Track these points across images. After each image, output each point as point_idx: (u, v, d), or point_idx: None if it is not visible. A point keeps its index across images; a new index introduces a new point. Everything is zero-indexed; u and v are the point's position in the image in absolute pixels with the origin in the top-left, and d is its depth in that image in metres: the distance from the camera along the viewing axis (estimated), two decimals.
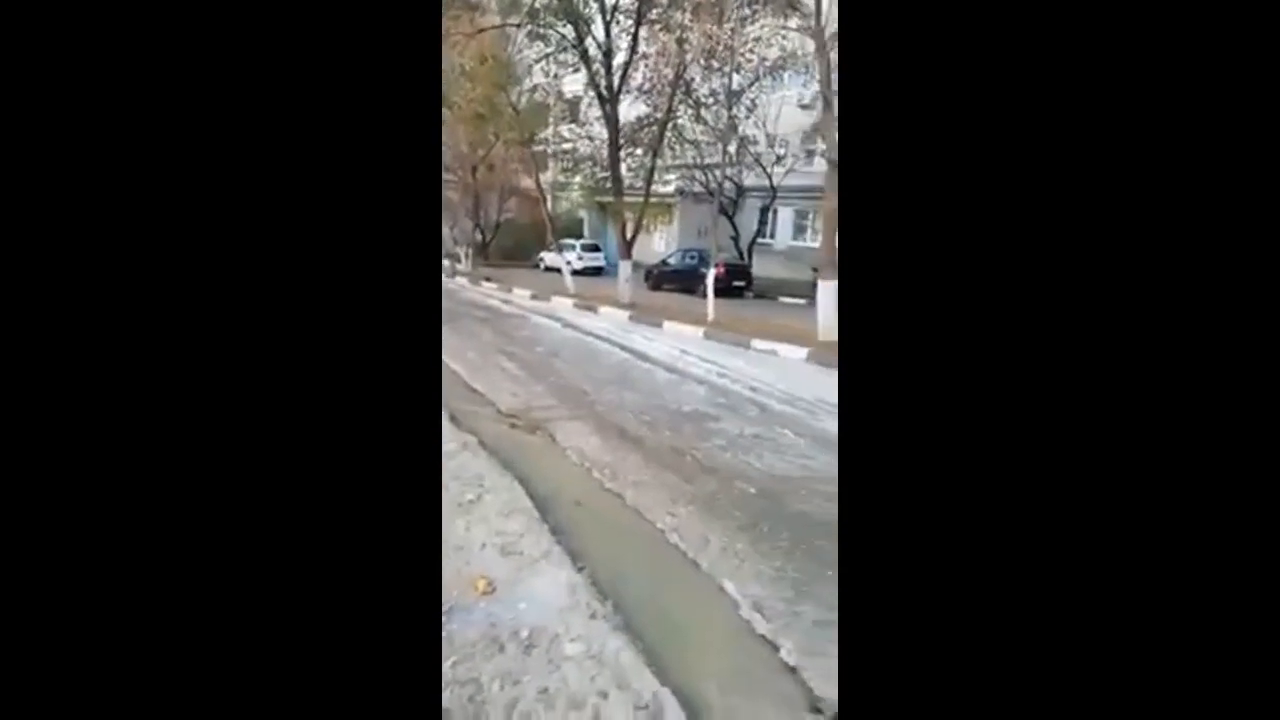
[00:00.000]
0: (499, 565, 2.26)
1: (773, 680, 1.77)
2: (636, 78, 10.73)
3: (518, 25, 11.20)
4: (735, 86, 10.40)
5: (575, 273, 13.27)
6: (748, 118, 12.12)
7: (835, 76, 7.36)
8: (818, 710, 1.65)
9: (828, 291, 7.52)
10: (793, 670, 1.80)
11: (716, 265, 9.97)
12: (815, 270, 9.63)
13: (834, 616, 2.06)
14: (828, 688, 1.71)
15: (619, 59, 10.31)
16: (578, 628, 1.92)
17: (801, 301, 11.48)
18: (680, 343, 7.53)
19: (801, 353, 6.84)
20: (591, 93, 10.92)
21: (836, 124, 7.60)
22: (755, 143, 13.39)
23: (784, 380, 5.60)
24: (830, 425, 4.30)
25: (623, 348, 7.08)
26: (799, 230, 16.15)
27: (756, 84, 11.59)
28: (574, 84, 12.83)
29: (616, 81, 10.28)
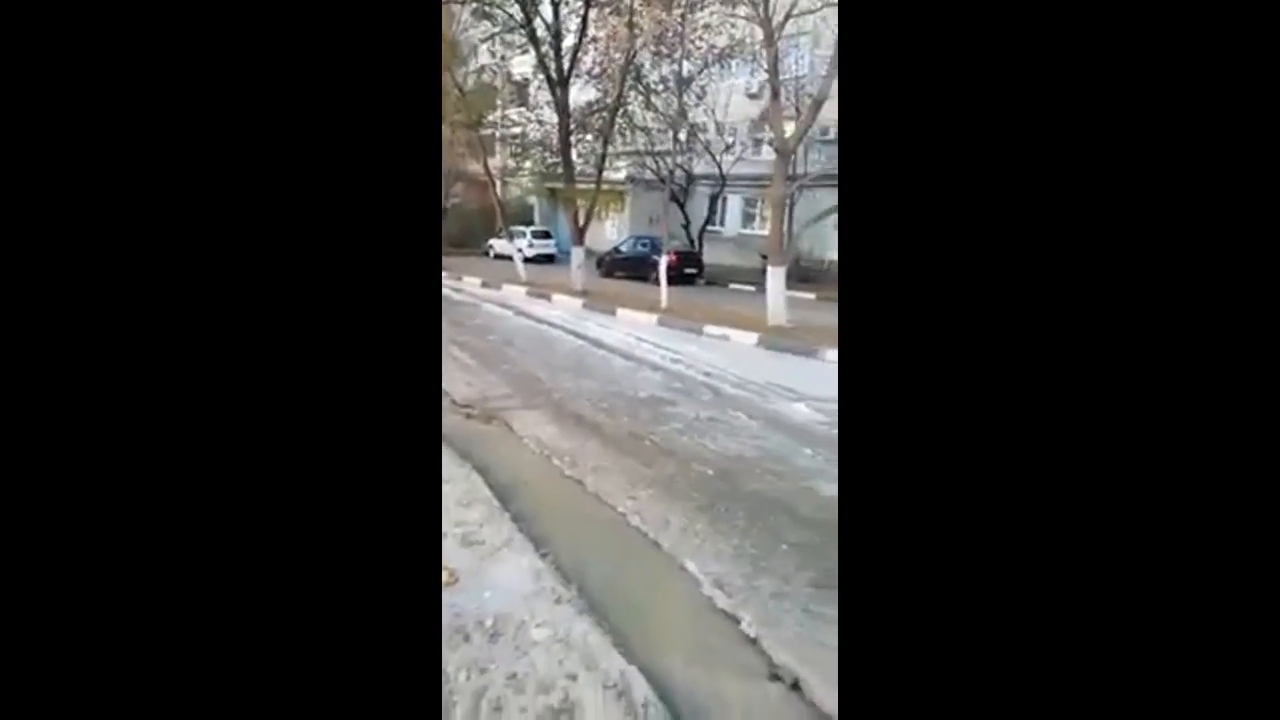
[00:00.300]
0: (461, 555, 2.24)
1: (734, 652, 1.85)
2: (586, 61, 10.57)
3: (462, 2, 10.79)
4: (685, 73, 10.43)
5: (526, 260, 13.04)
6: (697, 105, 12.19)
7: (782, 65, 7.49)
8: (777, 678, 1.74)
9: (776, 278, 7.73)
10: (753, 641, 1.88)
11: (669, 253, 10.04)
12: (764, 257, 9.85)
13: (789, 589, 2.17)
14: (785, 655, 1.80)
15: (568, 41, 10.11)
16: (544, 613, 1.94)
17: (750, 288, 11.72)
18: (635, 329, 7.56)
19: (752, 338, 7.02)
20: (540, 76, 10.68)
21: (783, 113, 7.76)
22: (705, 130, 13.48)
23: (736, 365, 5.74)
24: (780, 406, 4.45)
25: (578, 335, 7.05)
26: (747, 218, 16.43)
27: (705, 71, 11.65)
28: (522, 66, 12.51)
29: (566, 65, 10.09)
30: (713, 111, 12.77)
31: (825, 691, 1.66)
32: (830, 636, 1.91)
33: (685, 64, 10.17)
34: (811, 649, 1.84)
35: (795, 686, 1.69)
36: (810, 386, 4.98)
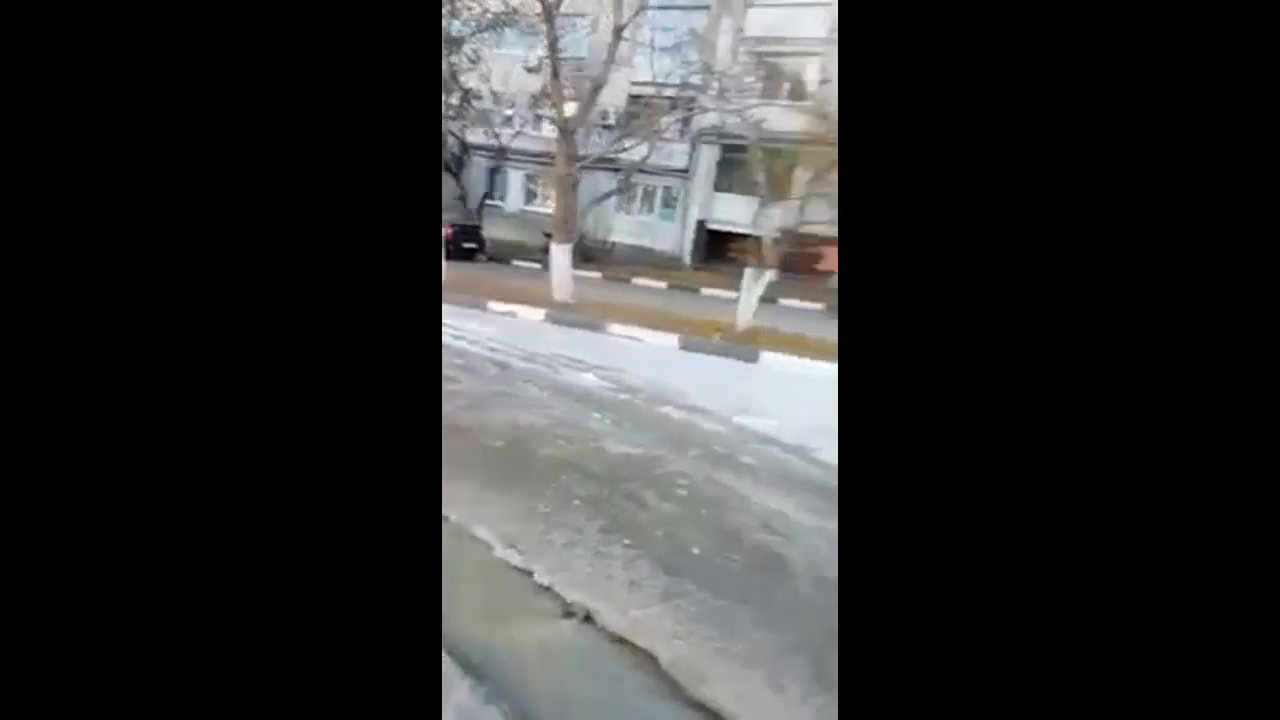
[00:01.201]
0: None
1: (529, 600, 1.91)
2: None
3: None
4: (455, 32, 9.79)
5: None
6: (471, 69, 11.55)
7: (561, 44, 7.53)
8: (570, 614, 1.85)
9: (562, 254, 7.87)
10: (546, 589, 1.97)
11: (446, 225, 9.44)
12: (548, 235, 9.92)
13: (581, 537, 2.31)
14: (578, 594, 1.93)
15: None
16: None
17: (536, 265, 11.73)
18: None
19: (539, 314, 7.07)
20: None
21: (563, 91, 7.85)
22: (479, 97, 12.86)
23: (523, 340, 5.74)
24: (569, 377, 4.61)
25: None
26: (530, 195, 16.28)
27: (477, 35, 11.08)
28: None
29: None
30: (488, 79, 12.23)
31: (614, 616, 1.83)
32: (618, 570, 2.10)
33: (455, 22, 9.54)
34: (602, 583, 2.00)
35: (588, 619, 1.83)
36: (598, 358, 5.25)
